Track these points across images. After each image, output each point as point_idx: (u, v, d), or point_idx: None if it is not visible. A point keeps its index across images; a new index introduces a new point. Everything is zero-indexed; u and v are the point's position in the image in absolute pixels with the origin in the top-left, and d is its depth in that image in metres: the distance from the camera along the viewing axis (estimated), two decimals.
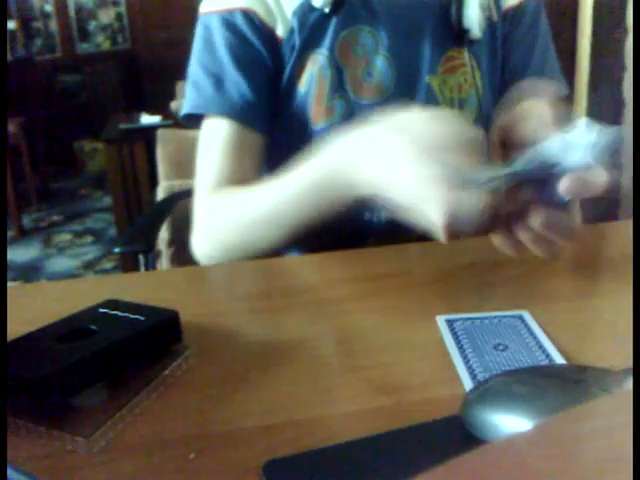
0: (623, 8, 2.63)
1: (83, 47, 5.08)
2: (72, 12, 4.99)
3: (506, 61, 0.91)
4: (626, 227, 0.74)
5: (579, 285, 0.60)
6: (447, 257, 0.68)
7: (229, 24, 0.83)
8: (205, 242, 0.80)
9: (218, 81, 0.83)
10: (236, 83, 0.82)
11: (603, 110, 2.74)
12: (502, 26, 0.90)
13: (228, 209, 0.77)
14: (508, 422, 0.36)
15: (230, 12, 0.83)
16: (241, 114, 0.82)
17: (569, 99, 0.95)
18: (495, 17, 0.87)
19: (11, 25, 4.78)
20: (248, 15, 0.83)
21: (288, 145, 0.89)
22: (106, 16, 5.05)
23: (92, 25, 5.06)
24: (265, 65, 0.84)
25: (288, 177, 0.70)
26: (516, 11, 0.90)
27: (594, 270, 0.61)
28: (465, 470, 0.23)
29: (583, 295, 0.59)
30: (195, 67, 0.85)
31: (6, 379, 0.39)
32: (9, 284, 0.49)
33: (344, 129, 0.84)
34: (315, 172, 0.67)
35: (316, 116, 0.85)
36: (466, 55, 0.86)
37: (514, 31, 0.90)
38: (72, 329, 0.47)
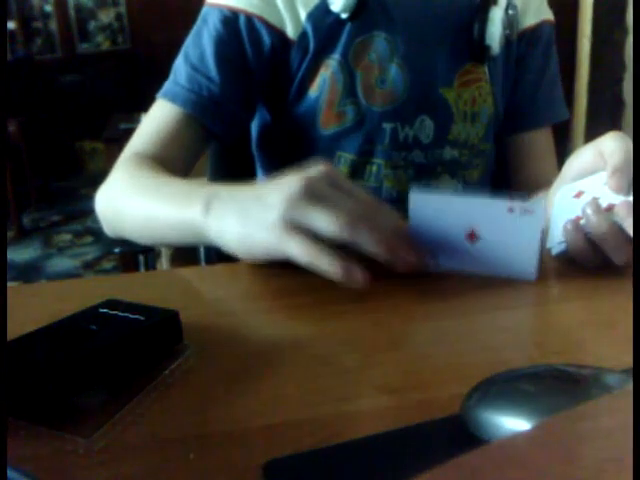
0: (623, 8, 2.63)
1: (83, 47, 5.08)
2: (72, 12, 4.99)
3: (518, 82, 0.92)
4: None
5: (580, 285, 0.60)
6: None
7: (228, 22, 0.81)
8: (102, 205, 0.80)
9: (193, 72, 0.81)
10: (210, 79, 0.80)
11: (603, 110, 2.74)
12: (518, 46, 0.90)
13: (127, 188, 0.75)
14: (508, 422, 0.36)
15: (234, 12, 0.82)
16: (200, 109, 0.80)
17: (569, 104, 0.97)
18: (514, 36, 0.87)
19: (11, 25, 4.78)
20: (251, 20, 0.81)
21: (291, 148, 0.89)
22: (106, 16, 5.05)
23: (92, 25, 5.06)
24: (248, 74, 0.82)
25: (177, 196, 0.67)
26: (533, 33, 0.91)
27: (594, 270, 0.60)
28: (465, 470, 0.23)
29: (584, 295, 0.59)
30: (180, 54, 0.84)
31: (6, 379, 0.39)
32: (9, 284, 0.49)
33: (353, 135, 0.84)
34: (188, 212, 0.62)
35: (326, 121, 0.85)
36: (485, 70, 0.87)
37: (529, 54, 0.91)
38: (72, 329, 0.47)
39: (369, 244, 0.52)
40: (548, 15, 0.93)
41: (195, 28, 0.84)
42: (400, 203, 0.85)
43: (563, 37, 2.76)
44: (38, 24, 4.98)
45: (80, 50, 5.07)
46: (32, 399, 0.40)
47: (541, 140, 0.96)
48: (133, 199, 0.73)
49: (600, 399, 0.34)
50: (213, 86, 0.81)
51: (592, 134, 0.66)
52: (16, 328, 0.46)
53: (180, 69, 0.83)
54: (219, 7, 0.82)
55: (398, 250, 0.54)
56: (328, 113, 0.84)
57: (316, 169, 0.55)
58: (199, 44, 0.82)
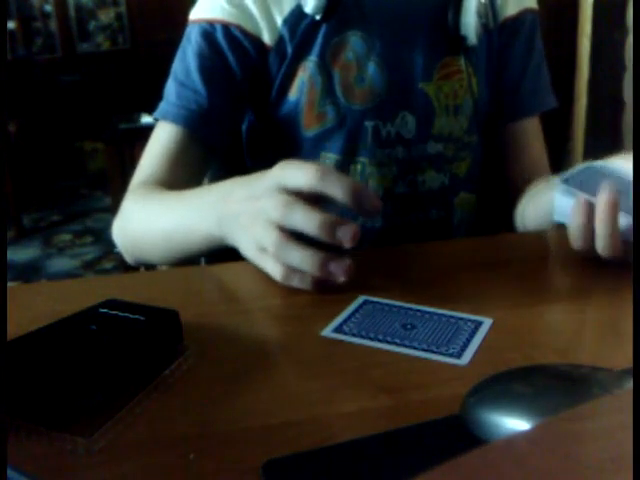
0: (623, 8, 2.63)
1: (83, 47, 5.08)
2: (72, 12, 4.99)
3: (501, 73, 0.92)
4: None
5: (580, 285, 0.60)
6: (446, 257, 0.69)
7: (207, 35, 0.83)
8: (118, 235, 0.82)
9: (181, 88, 0.84)
10: (196, 93, 0.82)
11: (603, 110, 2.74)
12: (500, 36, 0.90)
13: (140, 212, 0.79)
14: (508, 422, 0.36)
15: (211, 23, 0.83)
16: (192, 123, 0.82)
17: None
18: (492, 24, 0.86)
19: (11, 25, 4.78)
20: (229, 29, 0.83)
21: (278, 152, 0.89)
22: (106, 16, 5.06)
23: (92, 25, 5.06)
24: (234, 82, 0.84)
25: (190, 204, 0.71)
26: (514, 22, 0.90)
27: (595, 270, 0.61)
28: (465, 470, 0.23)
29: (584, 295, 0.59)
30: (170, 74, 0.87)
31: (6, 379, 0.39)
32: (9, 284, 0.49)
33: (335, 135, 0.84)
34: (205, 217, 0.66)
35: (308, 122, 0.85)
36: (462, 62, 0.86)
37: (511, 43, 0.91)
38: (72, 329, 0.47)
39: (305, 229, 0.54)
40: (530, 3, 0.92)
41: (180, 47, 0.87)
42: (386, 200, 0.86)
43: (563, 37, 2.76)
44: (38, 24, 4.98)
45: (80, 50, 5.07)
46: (32, 399, 0.40)
47: (529, 130, 0.95)
48: (147, 223, 0.76)
49: (600, 399, 0.34)
50: (201, 99, 0.82)
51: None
52: (16, 328, 0.46)
53: (170, 88, 0.86)
54: (198, 22, 0.85)
55: (336, 224, 0.54)
56: (309, 115, 0.85)
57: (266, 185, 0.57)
58: (184, 61, 0.85)
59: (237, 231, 0.61)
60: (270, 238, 0.55)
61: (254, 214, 0.57)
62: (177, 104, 0.83)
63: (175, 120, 0.83)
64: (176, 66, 0.86)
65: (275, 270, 0.56)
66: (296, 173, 0.55)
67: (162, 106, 0.85)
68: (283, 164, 0.57)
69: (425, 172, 0.88)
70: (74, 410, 0.40)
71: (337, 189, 0.53)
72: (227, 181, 0.66)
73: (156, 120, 0.86)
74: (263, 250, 0.57)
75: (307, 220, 0.53)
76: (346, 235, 0.53)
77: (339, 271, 0.55)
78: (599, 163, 0.64)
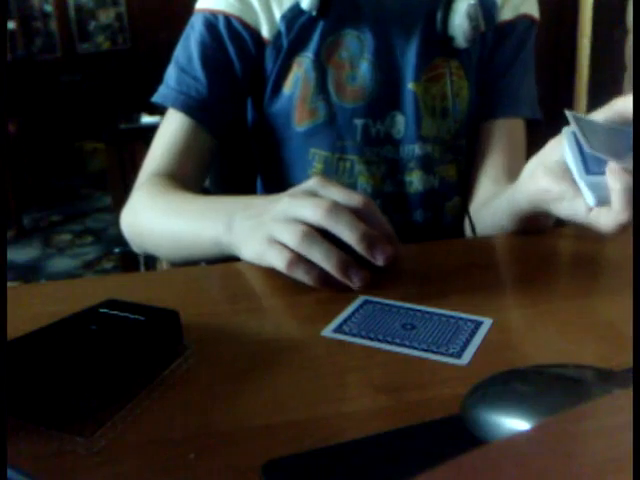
0: (623, 8, 2.63)
1: (83, 47, 5.08)
2: (72, 12, 4.99)
3: (484, 72, 0.91)
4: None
5: (580, 285, 0.60)
6: (446, 257, 0.69)
7: (209, 24, 0.85)
8: (127, 226, 0.83)
9: (182, 74, 0.85)
10: (196, 80, 0.84)
11: None
12: (493, 40, 0.90)
13: (148, 211, 0.79)
14: (508, 422, 0.36)
15: (214, 14, 0.85)
16: (192, 110, 0.84)
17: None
18: (483, 27, 0.85)
19: (11, 25, 4.78)
20: (230, 20, 0.84)
21: (271, 145, 0.90)
22: (106, 16, 5.06)
23: (92, 25, 5.06)
24: (233, 73, 0.85)
25: (198, 213, 0.72)
26: (508, 26, 0.90)
27: (595, 270, 0.61)
28: (465, 470, 0.23)
29: (584, 295, 0.59)
30: (172, 60, 0.88)
31: (6, 379, 0.39)
32: (9, 284, 0.49)
33: (325, 131, 0.85)
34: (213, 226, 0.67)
35: (300, 117, 0.86)
36: (454, 65, 0.86)
37: (500, 45, 0.90)
38: (72, 329, 0.47)
39: (345, 233, 0.55)
40: (529, 11, 0.91)
41: (184, 34, 0.88)
42: (375, 199, 0.86)
43: (563, 37, 2.76)
44: (38, 24, 4.98)
45: (80, 50, 5.07)
46: (32, 399, 0.40)
47: (496, 132, 0.91)
48: (156, 221, 0.77)
49: (600, 399, 0.34)
50: (200, 87, 0.84)
51: None
52: (16, 328, 0.46)
53: (170, 73, 0.88)
54: (202, 12, 0.87)
55: (376, 241, 0.55)
56: (301, 110, 0.85)
57: (305, 186, 0.60)
58: (187, 48, 0.86)
59: (247, 230, 0.61)
60: (294, 231, 0.55)
61: (280, 211, 0.58)
62: (176, 89, 0.85)
63: (173, 104, 0.84)
64: (178, 52, 0.87)
65: (280, 258, 0.56)
66: (348, 197, 0.57)
67: (161, 90, 0.86)
68: (322, 179, 0.59)
69: (412, 173, 0.88)
70: (74, 410, 0.40)
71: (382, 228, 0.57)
72: (246, 196, 0.68)
73: (154, 104, 0.87)
74: (271, 242, 0.57)
75: (352, 228, 0.54)
76: (382, 253, 0.55)
77: (357, 278, 0.55)
78: (585, 119, 0.57)
